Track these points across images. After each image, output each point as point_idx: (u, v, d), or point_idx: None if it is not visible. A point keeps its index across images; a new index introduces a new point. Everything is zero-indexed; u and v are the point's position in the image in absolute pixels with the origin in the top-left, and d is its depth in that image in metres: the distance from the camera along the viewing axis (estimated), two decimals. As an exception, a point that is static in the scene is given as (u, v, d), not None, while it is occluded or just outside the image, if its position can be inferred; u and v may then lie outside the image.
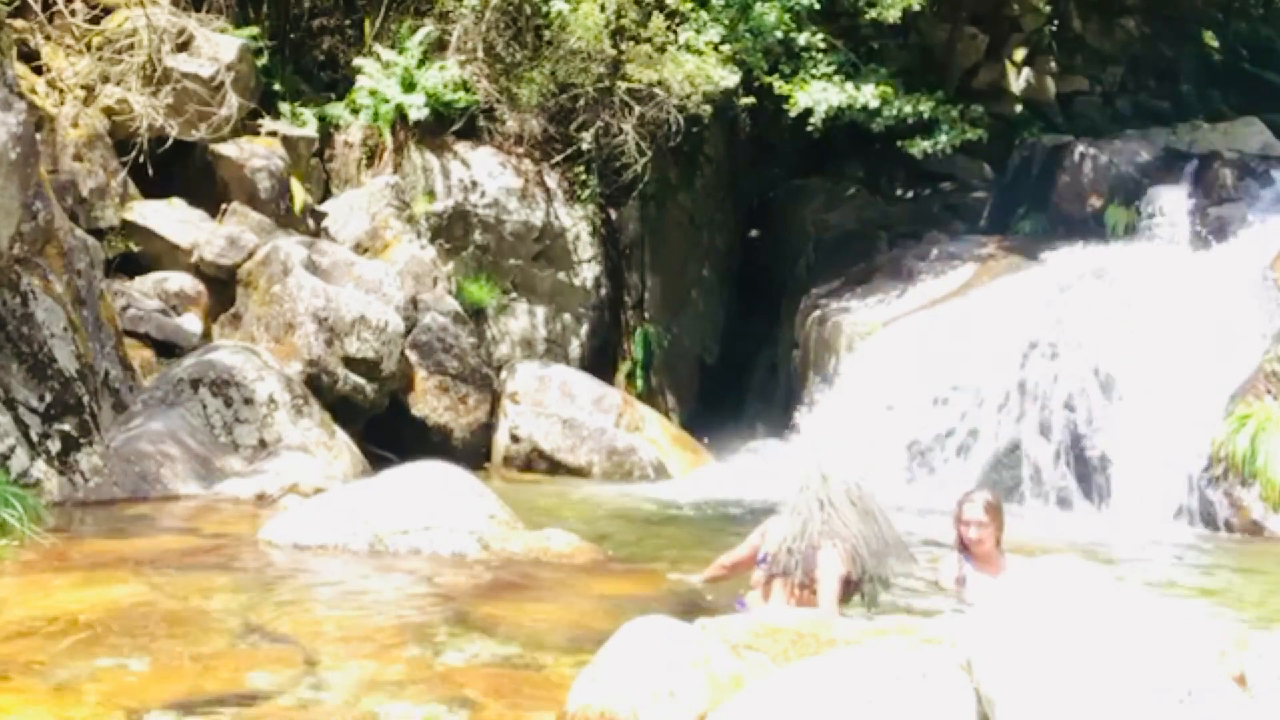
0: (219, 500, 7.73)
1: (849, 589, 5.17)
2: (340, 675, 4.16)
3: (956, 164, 16.08)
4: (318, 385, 9.93)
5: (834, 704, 3.17)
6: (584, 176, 13.28)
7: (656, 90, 12.58)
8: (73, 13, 11.16)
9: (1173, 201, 13.15)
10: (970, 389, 11.28)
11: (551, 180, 13.21)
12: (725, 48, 12.84)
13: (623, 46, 12.74)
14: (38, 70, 10.90)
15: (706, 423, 13.70)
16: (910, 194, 16.50)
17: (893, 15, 13.42)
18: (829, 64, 13.56)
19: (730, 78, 12.70)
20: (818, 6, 13.35)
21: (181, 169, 11.26)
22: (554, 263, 13.19)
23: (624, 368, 13.68)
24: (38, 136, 8.44)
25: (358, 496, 6.72)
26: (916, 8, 13.48)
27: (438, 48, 12.83)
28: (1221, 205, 12.91)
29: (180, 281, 10.79)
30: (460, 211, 12.63)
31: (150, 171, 10.81)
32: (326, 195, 12.57)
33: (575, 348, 13.23)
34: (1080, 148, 14.30)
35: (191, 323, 10.57)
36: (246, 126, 11.80)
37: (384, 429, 10.58)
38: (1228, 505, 9.42)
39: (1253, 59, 18.90)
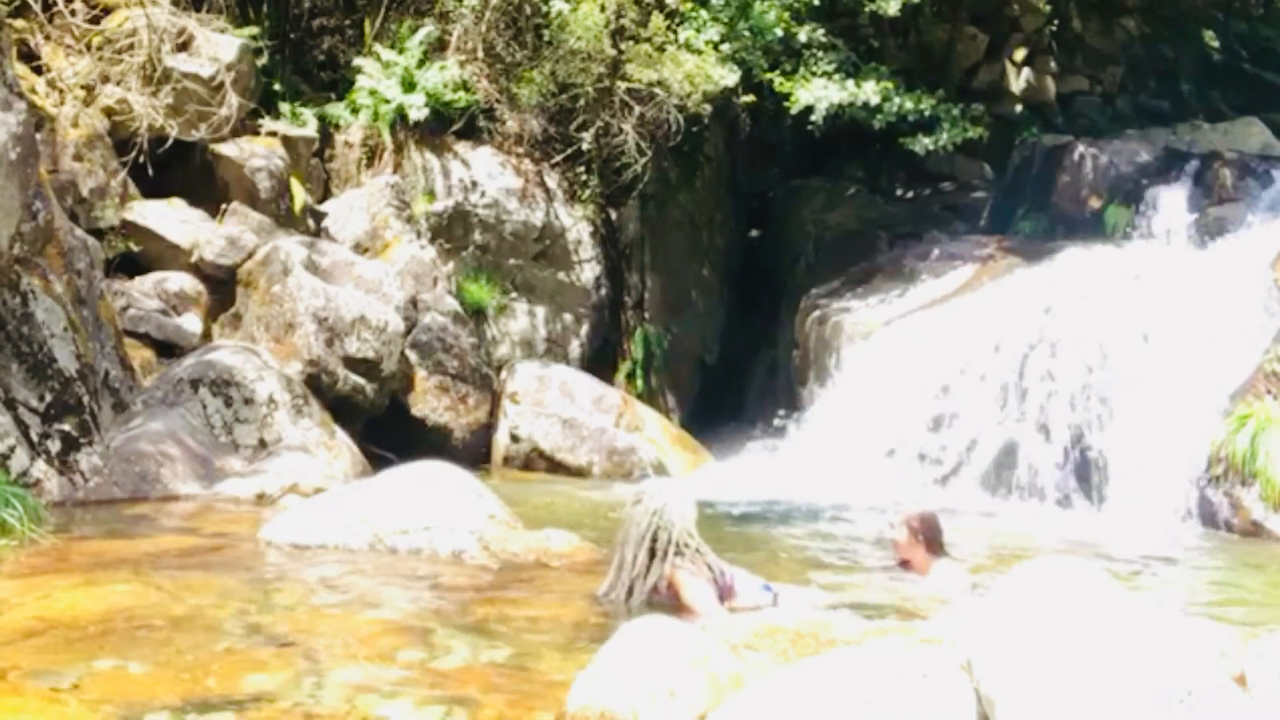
0: (219, 500, 7.73)
1: (721, 587, 5.18)
2: (340, 675, 4.15)
3: (956, 164, 16.08)
4: (318, 385, 9.92)
5: (834, 704, 3.17)
6: (584, 176, 13.27)
7: (656, 90, 12.57)
8: (73, 13, 11.15)
9: (1173, 202, 13.13)
10: (970, 389, 11.28)
11: (551, 180, 13.20)
12: (725, 47, 12.84)
13: (622, 46, 12.73)
14: (38, 70, 10.89)
15: (706, 423, 13.69)
16: (910, 194, 16.48)
17: (892, 8, 13.40)
18: (829, 62, 13.55)
19: (730, 76, 12.70)
20: (817, 3, 13.34)
21: (181, 169, 11.25)
22: (554, 263, 13.19)
23: (624, 368, 13.67)
24: (38, 136, 8.44)
25: (358, 496, 6.72)
26: (915, 1, 13.46)
27: (438, 48, 12.82)
28: (1221, 205, 12.89)
29: (180, 281, 10.79)
30: (460, 211, 12.63)
31: (150, 171, 10.80)
32: (326, 195, 12.56)
33: (575, 348, 13.22)
34: (1080, 148, 14.26)
35: (191, 323, 10.57)
36: (246, 126, 11.79)
37: (384, 429, 10.58)
38: (1228, 505, 9.42)
39: (1253, 59, 18.86)
